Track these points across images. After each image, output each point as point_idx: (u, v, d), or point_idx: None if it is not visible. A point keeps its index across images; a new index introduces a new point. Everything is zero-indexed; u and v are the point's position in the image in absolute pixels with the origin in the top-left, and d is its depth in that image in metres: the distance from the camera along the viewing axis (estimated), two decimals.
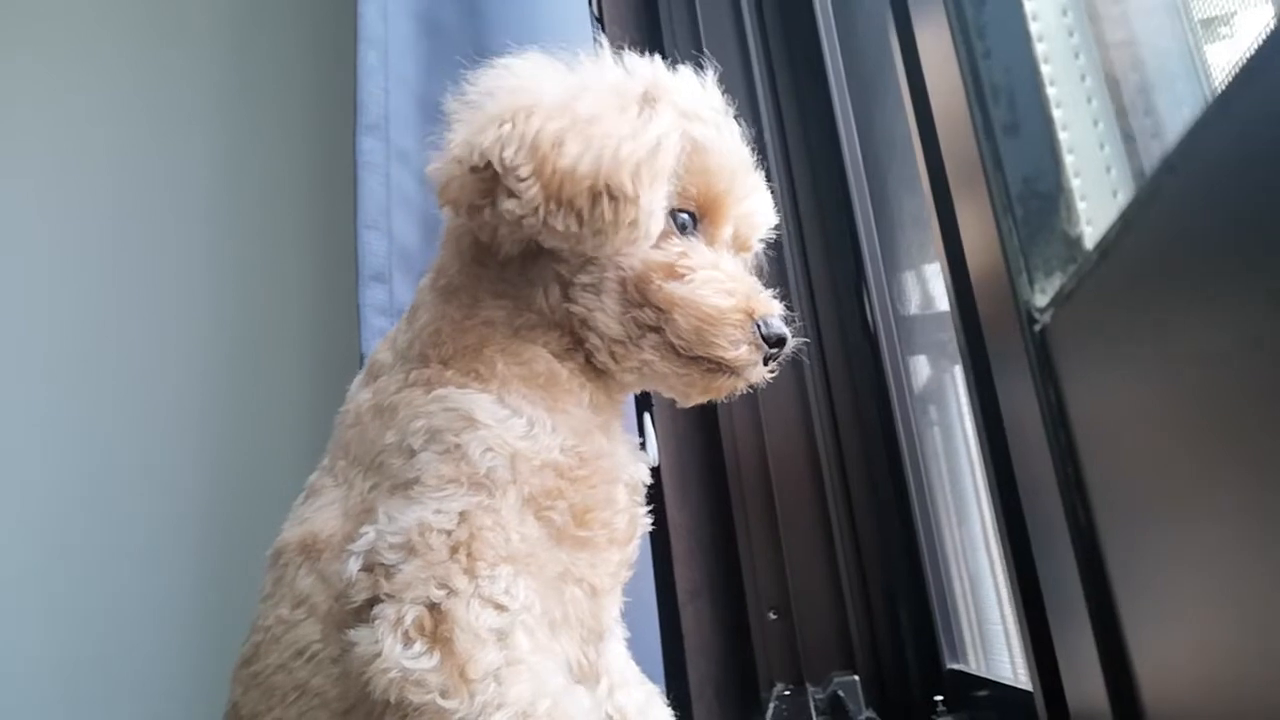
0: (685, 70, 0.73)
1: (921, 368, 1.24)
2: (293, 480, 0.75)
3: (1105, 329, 0.35)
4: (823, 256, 1.34)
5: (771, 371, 0.71)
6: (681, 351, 0.68)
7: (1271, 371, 0.25)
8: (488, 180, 0.64)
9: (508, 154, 0.62)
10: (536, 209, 0.63)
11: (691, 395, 0.74)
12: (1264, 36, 0.24)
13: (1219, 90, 0.24)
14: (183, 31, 1.81)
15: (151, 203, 1.73)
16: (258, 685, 0.67)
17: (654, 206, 0.64)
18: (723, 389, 0.71)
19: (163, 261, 1.72)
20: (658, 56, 0.74)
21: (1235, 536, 0.29)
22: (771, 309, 0.69)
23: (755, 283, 0.71)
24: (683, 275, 0.67)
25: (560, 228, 0.63)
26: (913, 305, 1.22)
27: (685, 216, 0.70)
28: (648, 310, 0.67)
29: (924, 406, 1.22)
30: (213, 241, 1.73)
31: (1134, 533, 0.36)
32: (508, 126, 0.63)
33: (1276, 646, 0.28)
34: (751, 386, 0.72)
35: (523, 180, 0.62)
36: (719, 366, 0.68)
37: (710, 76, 0.74)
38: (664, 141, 0.65)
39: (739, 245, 0.75)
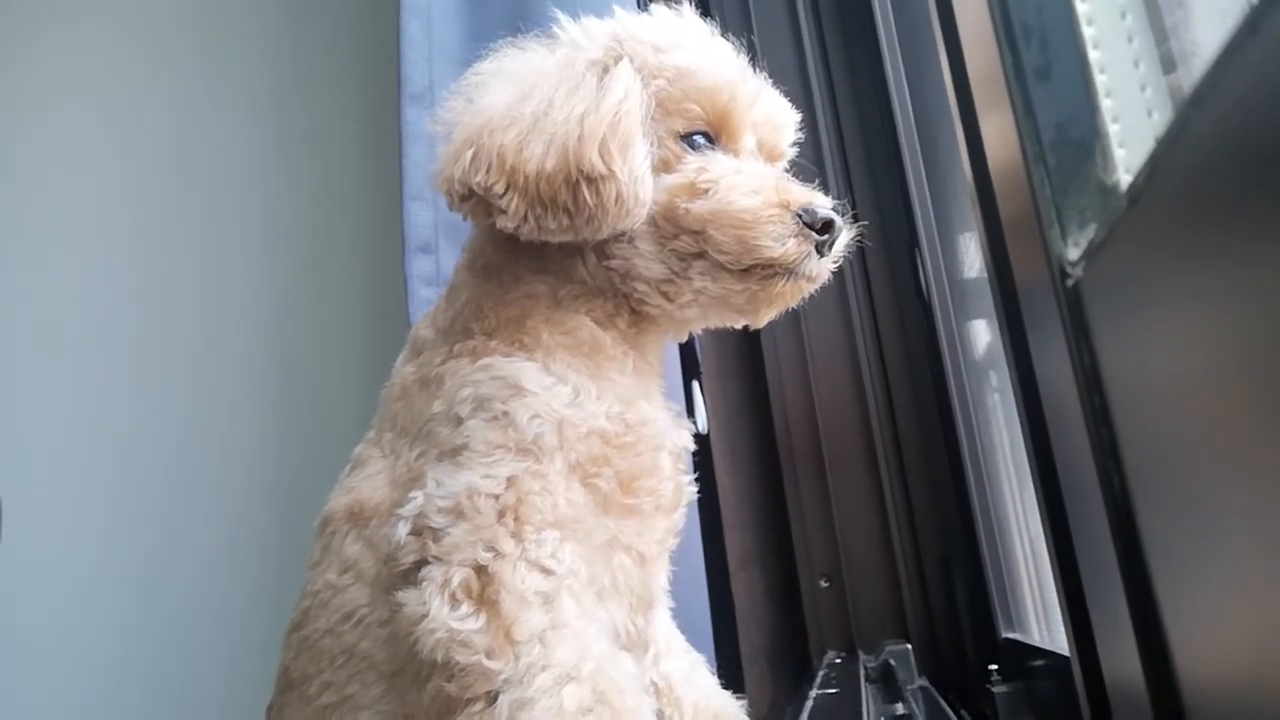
0: (657, 7, 0.74)
1: (981, 333, 1.21)
2: (347, 449, 0.77)
3: (1136, 280, 0.33)
4: (875, 220, 1.31)
5: (835, 262, 0.69)
6: (730, 267, 0.66)
7: None
8: (480, 203, 0.66)
9: (479, 178, 0.64)
10: (525, 218, 0.64)
11: (760, 310, 0.72)
12: None
13: (1246, 13, 0.22)
14: (234, 6, 1.83)
15: (203, 178, 1.78)
16: (307, 649, 0.69)
17: (636, 172, 0.64)
18: (788, 294, 0.69)
19: (216, 239, 1.76)
20: (632, 7, 0.74)
21: (1276, 502, 0.28)
22: (811, 197, 0.67)
23: (787, 177, 0.70)
24: (706, 190, 0.66)
25: (554, 227, 0.64)
26: (972, 269, 1.18)
27: (699, 138, 0.70)
28: (684, 238, 0.67)
29: (984, 372, 1.19)
30: (264, 217, 1.76)
31: (1169, 497, 0.34)
32: (471, 151, 0.64)
33: None
34: (814, 284, 0.70)
35: (502, 197, 0.63)
36: (772, 269, 0.66)
37: (686, 7, 0.74)
38: (624, 104, 0.65)
39: (768, 153, 0.74)
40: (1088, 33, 0.40)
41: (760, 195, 0.66)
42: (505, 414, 0.63)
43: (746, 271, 0.66)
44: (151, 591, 1.61)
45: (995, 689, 0.98)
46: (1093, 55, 0.40)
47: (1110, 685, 0.42)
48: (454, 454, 0.64)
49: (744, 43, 0.74)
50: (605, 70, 0.67)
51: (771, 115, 0.73)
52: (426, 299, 1.09)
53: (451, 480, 0.62)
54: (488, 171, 0.63)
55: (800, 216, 0.65)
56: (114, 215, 1.75)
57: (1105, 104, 0.40)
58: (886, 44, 1.26)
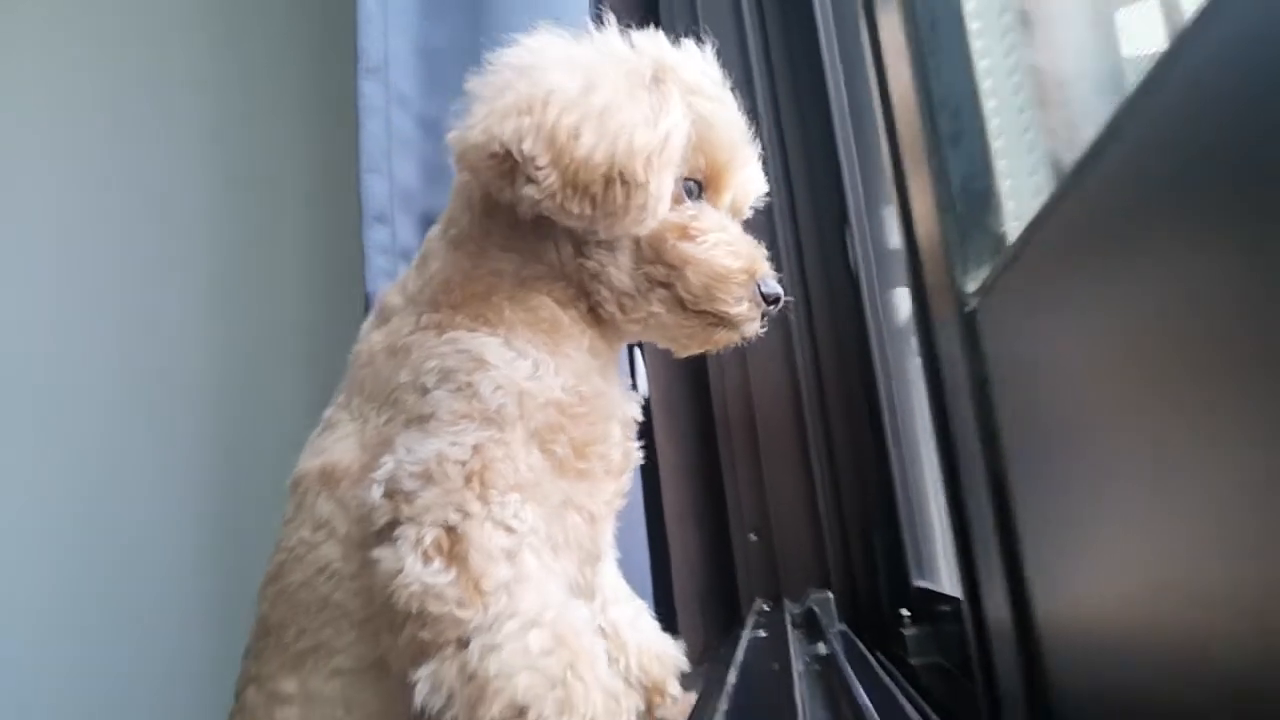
0: (688, 44, 0.77)
1: (903, 300, 1.26)
2: (297, 413, 0.80)
3: (1017, 319, 0.42)
4: (809, 197, 1.37)
5: (763, 327, 0.77)
6: (689, 305, 0.74)
7: (1136, 349, 0.32)
8: (507, 166, 0.68)
9: (526, 145, 0.66)
10: (554, 194, 0.67)
11: (690, 346, 0.80)
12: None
13: (1123, 104, 0.30)
14: None
15: (150, 150, 1.74)
16: (284, 600, 0.73)
17: (662, 191, 0.69)
18: (719, 341, 0.78)
19: (166, 209, 1.74)
20: (659, 31, 0.77)
21: (1115, 484, 0.37)
22: (768, 270, 0.75)
23: (756, 244, 0.78)
24: (695, 236, 0.73)
25: (575, 211, 0.68)
26: (895, 239, 1.24)
27: (692, 184, 0.76)
28: (659, 266, 0.73)
29: (905, 338, 1.24)
30: (215, 186, 1.74)
31: (1034, 471, 0.44)
32: (526, 119, 0.66)
33: (1146, 575, 0.36)
34: (744, 340, 0.78)
35: (540, 169, 0.66)
36: (720, 320, 0.74)
37: (709, 50, 0.78)
38: (674, 131, 0.70)
39: (734, 210, 0.81)
40: (989, 105, 0.49)
41: (739, 260, 0.73)
42: (469, 385, 0.67)
43: (699, 314, 0.74)
44: (90, 553, 1.60)
45: (906, 631, 1.03)
46: (992, 124, 0.49)
47: (990, 626, 0.51)
48: (421, 422, 0.67)
49: (690, 31, 0.78)
50: (659, 85, 0.71)
51: (750, 180, 0.80)
52: (383, 267, 1.11)
53: (421, 447, 0.65)
54: (534, 141, 0.66)
55: (759, 286, 0.74)
56: (58, 187, 1.71)
57: (999, 164, 0.48)
58: (825, 43, 1.32)
